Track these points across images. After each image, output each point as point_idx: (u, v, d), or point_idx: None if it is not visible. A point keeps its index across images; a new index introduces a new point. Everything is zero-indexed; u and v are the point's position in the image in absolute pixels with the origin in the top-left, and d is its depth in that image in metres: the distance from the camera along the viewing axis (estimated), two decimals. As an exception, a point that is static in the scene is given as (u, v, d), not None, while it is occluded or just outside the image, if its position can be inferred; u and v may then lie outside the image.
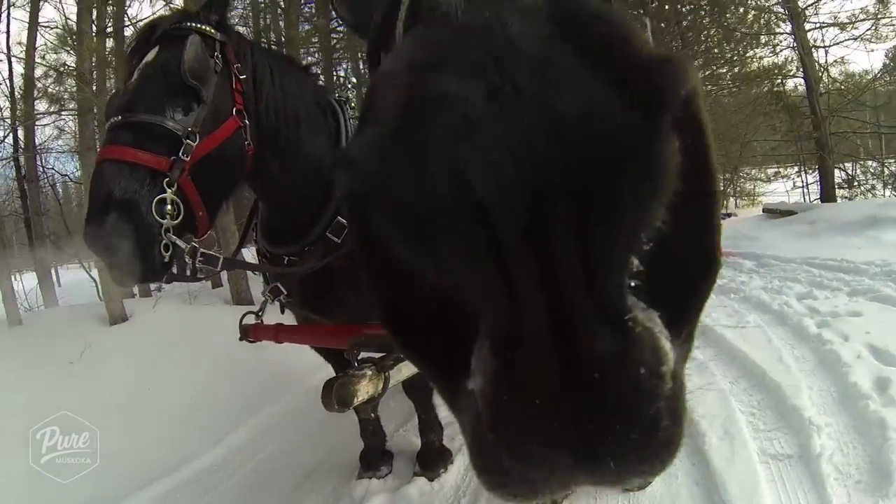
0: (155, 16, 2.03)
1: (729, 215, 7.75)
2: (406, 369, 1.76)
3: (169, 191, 1.54)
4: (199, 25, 1.77)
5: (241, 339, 2.27)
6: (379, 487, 2.79)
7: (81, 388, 4.49)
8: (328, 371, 2.81)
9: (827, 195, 12.65)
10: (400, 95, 0.42)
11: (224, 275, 7.25)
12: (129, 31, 8.37)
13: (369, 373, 1.63)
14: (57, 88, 8.23)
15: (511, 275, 0.36)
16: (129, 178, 1.49)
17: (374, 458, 2.95)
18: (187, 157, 1.58)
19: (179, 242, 1.57)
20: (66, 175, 10.52)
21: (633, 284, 0.39)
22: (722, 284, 6.38)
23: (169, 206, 1.53)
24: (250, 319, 2.29)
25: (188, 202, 1.61)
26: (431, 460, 2.87)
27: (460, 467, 2.88)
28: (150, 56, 1.69)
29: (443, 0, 0.51)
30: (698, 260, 0.47)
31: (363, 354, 1.84)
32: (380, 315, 0.52)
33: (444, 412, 3.07)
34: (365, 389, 1.57)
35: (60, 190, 10.90)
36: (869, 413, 2.68)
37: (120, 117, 1.56)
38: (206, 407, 4.21)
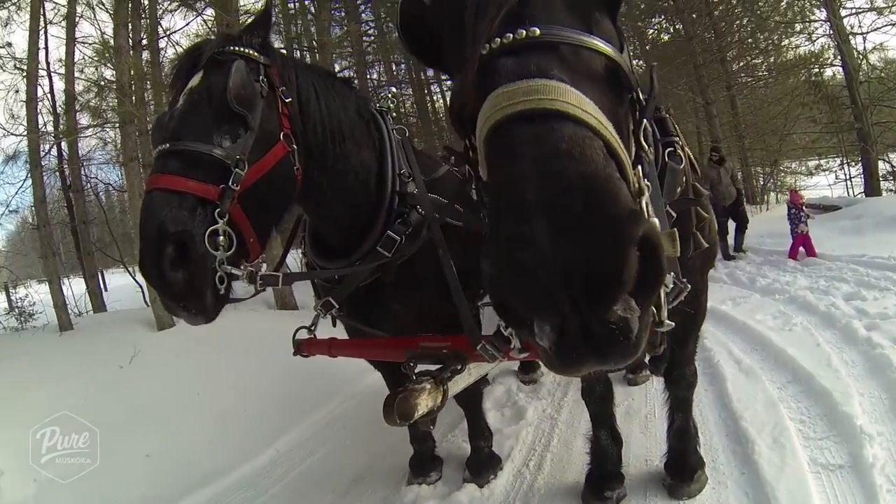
0: (198, 39, 2.00)
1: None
2: (462, 381, 1.79)
3: (221, 221, 1.54)
4: (242, 49, 1.78)
5: (294, 354, 2.30)
6: (429, 493, 2.83)
7: (132, 392, 4.65)
8: (375, 376, 2.86)
9: (872, 188, 12.10)
10: (511, 230, 0.72)
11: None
12: (162, 43, 8.62)
13: (428, 386, 1.67)
14: (98, 102, 8.48)
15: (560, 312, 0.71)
16: (180, 208, 1.49)
17: (424, 463, 2.98)
18: (237, 186, 1.58)
19: (235, 271, 1.59)
20: (109, 184, 10.89)
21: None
22: (766, 285, 6.26)
23: (221, 238, 1.54)
24: (303, 334, 2.31)
25: (239, 230, 1.61)
26: (481, 466, 2.90)
27: (509, 473, 2.91)
28: (194, 81, 1.69)
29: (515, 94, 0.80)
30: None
31: (419, 367, 1.89)
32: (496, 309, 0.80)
33: (492, 418, 3.10)
34: (425, 403, 1.61)
35: (103, 198, 11.27)
36: (923, 422, 2.61)
37: (168, 145, 1.56)
38: (256, 411, 4.30)
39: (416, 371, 1.86)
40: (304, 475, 3.33)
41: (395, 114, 2.37)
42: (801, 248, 7.63)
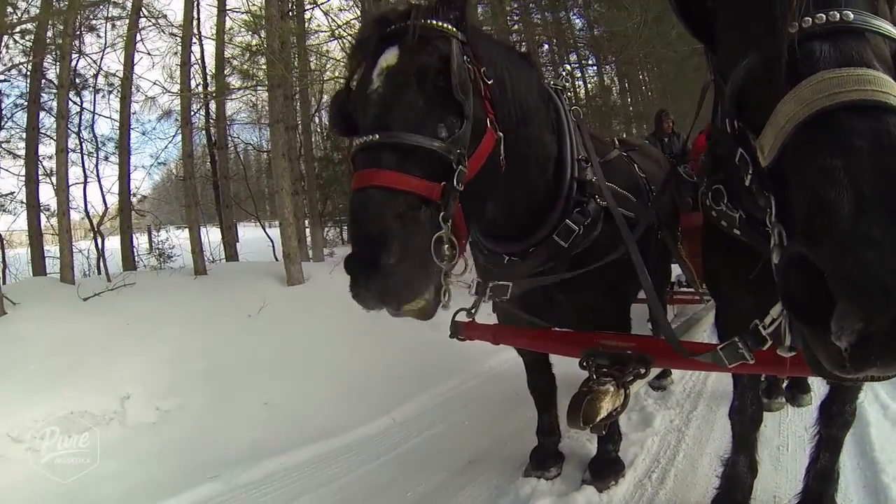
0: (386, 8, 1.85)
1: None
2: (638, 384, 1.68)
3: (445, 227, 1.38)
4: (442, 24, 1.58)
5: (451, 336, 2.25)
6: (546, 489, 2.72)
7: (257, 341, 4.91)
8: (501, 357, 2.77)
9: None
10: (849, 226, 0.71)
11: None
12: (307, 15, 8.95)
13: (612, 388, 1.56)
14: (248, 65, 8.99)
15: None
16: (402, 210, 1.33)
17: (545, 457, 2.87)
18: (461, 185, 1.42)
19: (461, 285, 1.50)
20: (250, 143, 11.65)
21: None
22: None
23: (447, 247, 1.38)
24: (462, 317, 2.24)
25: (458, 235, 1.45)
26: (604, 470, 2.74)
27: (631, 482, 2.75)
28: (390, 59, 1.51)
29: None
30: None
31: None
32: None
33: (623, 421, 2.94)
34: (607, 406, 1.52)
35: (242, 157, 12.07)
36: None
37: (377, 136, 1.40)
38: (377, 376, 4.39)
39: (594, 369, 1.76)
40: (417, 448, 3.34)
41: (570, 93, 2.21)
42: None
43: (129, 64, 7.50)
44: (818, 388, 3.25)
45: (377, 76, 1.50)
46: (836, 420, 2.19)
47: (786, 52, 0.83)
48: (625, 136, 11.26)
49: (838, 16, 0.82)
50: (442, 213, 1.39)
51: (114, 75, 8.08)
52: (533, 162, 1.91)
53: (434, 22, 1.57)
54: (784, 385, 3.52)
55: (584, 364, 1.81)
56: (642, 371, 1.76)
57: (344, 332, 5.08)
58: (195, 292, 6.10)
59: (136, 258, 7.69)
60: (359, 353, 4.76)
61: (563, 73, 2.33)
